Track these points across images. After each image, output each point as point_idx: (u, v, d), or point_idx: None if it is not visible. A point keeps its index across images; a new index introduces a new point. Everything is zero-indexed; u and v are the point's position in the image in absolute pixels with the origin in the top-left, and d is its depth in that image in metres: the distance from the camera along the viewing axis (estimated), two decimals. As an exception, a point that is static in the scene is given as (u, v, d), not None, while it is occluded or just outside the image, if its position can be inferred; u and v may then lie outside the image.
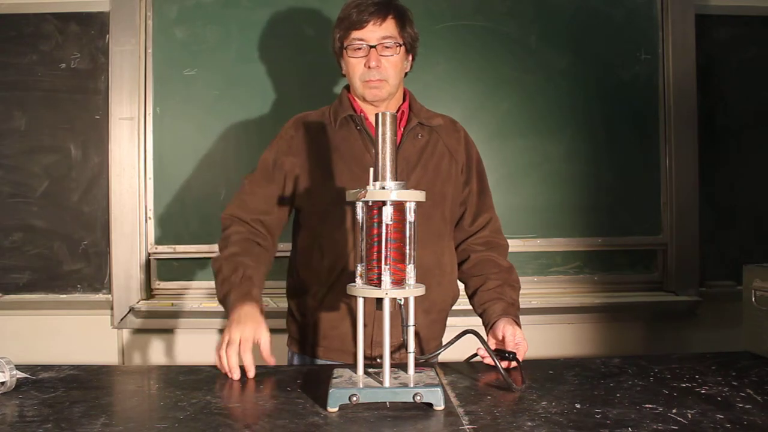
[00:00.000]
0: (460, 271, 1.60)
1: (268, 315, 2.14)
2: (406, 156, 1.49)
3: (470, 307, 1.56)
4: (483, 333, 1.40)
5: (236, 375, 1.27)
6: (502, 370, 1.23)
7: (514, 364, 1.33)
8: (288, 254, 1.62)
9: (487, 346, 1.31)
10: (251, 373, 1.28)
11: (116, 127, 2.26)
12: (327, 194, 1.47)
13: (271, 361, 1.32)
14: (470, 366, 1.40)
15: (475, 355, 1.41)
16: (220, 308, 2.20)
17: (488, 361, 1.37)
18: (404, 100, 1.58)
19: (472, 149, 1.61)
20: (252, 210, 1.51)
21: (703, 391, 1.18)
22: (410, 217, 1.12)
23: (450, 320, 1.61)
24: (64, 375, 1.30)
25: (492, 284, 1.51)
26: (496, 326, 1.43)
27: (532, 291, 2.30)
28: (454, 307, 1.61)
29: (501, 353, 1.35)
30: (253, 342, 1.30)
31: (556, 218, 2.32)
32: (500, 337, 1.41)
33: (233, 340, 1.29)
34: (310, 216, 1.51)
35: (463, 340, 1.30)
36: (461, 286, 1.61)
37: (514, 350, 1.36)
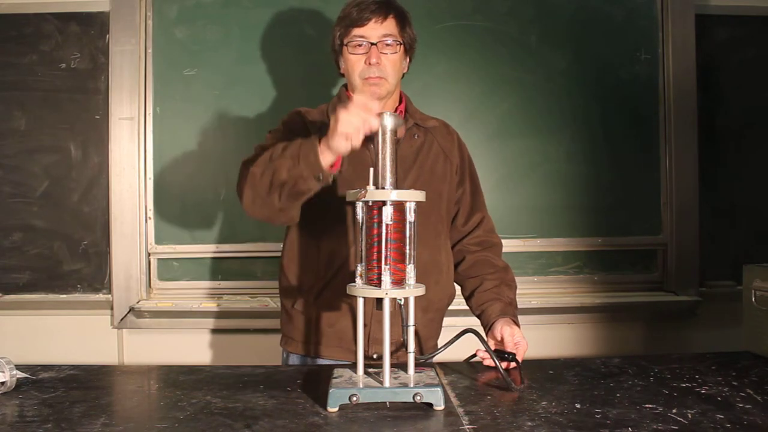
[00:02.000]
0: (456, 273, 1.61)
1: (267, 315, 2.18)
2: (403, 156, 1.50)
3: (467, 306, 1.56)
4: (482, 333, 1.40)
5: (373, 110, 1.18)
6: (501, 371, 1.23)
7: (513, 364, 1.34)
8: (279, 254, 1.60)
9: (487, 346, 1.31)
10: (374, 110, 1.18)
11: (116, 127, 2.25)
12: (323, 191, 1.47)
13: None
14: (470, 366, 1.40)
15: (474, 355, 1.41)
16: (220, 308, 2.23)
17: (488, 362, 1.37)
18: (400, 102, 1.59)
19: (465, 151, 1.64)
20: None
21: (703, 391, 1.18)
22: (410, 217, 1.12)
23: (449, 320, 1.60)
24: (64, 375, 1.30)
25: (489, 285, 1.52)
26: (494, 327, 1.44)
27: (532, 291, 2.30)
28: (454, 307, 1.61)
29: (500, 354, 1.35)
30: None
31: (556, 218, 2.32)
32: (499, 338, 1.41)
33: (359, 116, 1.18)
34: (307, 212, 1.50)
35: (462, 339, 1.30)
36: (458, 288, 1.61)
37: (513, 350, 1.36)
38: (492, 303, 1.48)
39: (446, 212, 1.56)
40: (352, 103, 1.20)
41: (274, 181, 1.28)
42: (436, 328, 1.58)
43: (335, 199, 1.45)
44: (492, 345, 1.43)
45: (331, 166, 1.27)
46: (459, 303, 1.61)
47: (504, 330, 1.40)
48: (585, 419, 1.03)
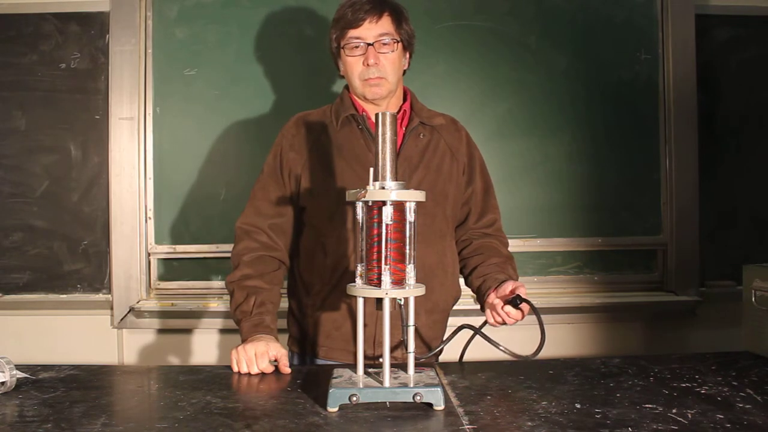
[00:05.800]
0: (460, 257, 1.59)
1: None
2: (408, 156, 1.49)
3: (471, 307, 1.56)
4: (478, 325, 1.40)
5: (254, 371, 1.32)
6: (505, 350, 1.24)
7: (526, 312, 1.35)
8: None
9: (485, 335, 1.33)
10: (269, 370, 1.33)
11: (116, 127, 2.25)
12: (330, 194, 1.46)
13: (287, 371, 1.33)
14: (470, 366, 1.40)
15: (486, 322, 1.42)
16: (220, 308, 2.24)
17: (510, 315, 1.37)
18: (405, 100, 1.58)
19: (474, 150, 1.61)
20: (266, 215, 1.51)
21: (703, 391, 1.18)
22: (410, 217, 1.12)
23: (452, 320, 1.60)
24: (64, 375, 1.30)
25: (495, 260, 1.51)
26: (503, 285, 1.40)
27: (532, 291, 2.27)
28: (456, 307, 1.61)
29: (512, 302, 1.34)
30: (269, 357, 1.33)
31: (556, 218, 2.32)
32: (507, 292, 1.38)
33: (249, 357, 1.32)
34: (314, 215, 1.51)
35: (462, 339, 1.30)
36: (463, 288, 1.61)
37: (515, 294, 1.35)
38: (497, 274, 1.47)
39: (452, 213, 1.55)
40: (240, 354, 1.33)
41: (233, 316, 1.48)
42: (440, 329, 1.57)
43: (338, 204, 1.45)
44: (500, 305, 1.40)
45: None
46: (462, 303, 1.61)
47: (509, 284, 1.38)
48: (585, 419, 1.03)
